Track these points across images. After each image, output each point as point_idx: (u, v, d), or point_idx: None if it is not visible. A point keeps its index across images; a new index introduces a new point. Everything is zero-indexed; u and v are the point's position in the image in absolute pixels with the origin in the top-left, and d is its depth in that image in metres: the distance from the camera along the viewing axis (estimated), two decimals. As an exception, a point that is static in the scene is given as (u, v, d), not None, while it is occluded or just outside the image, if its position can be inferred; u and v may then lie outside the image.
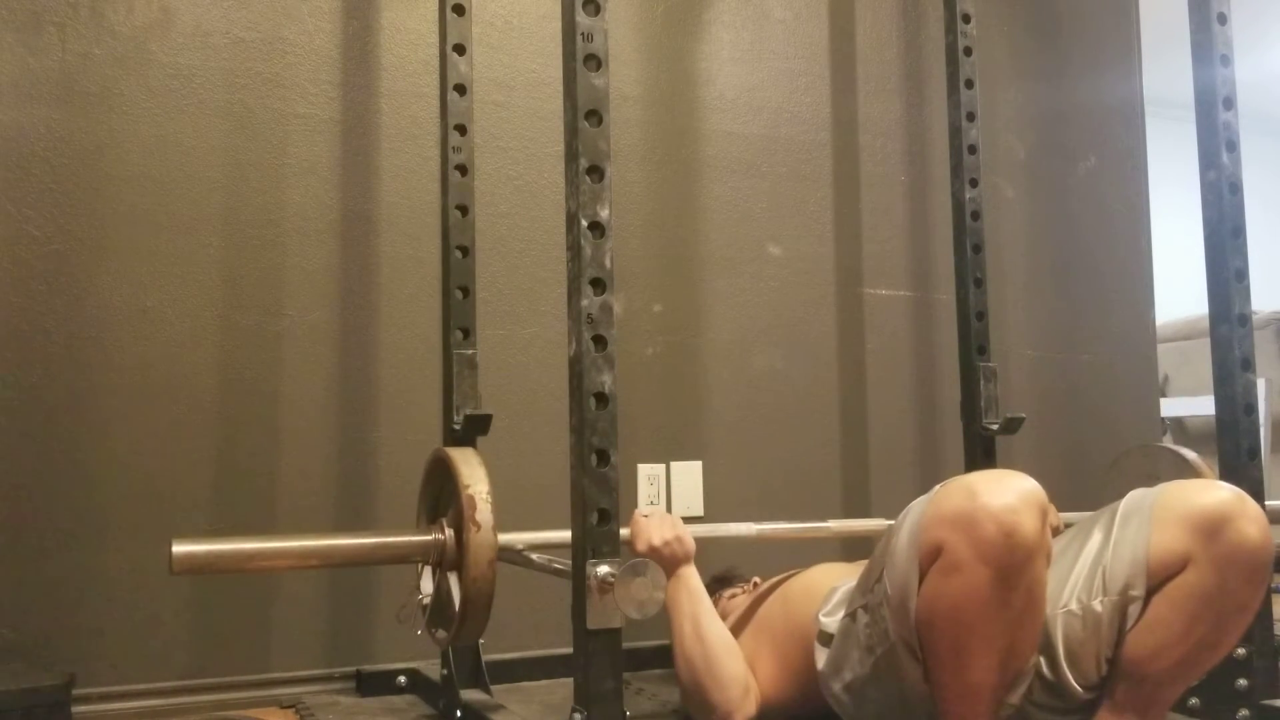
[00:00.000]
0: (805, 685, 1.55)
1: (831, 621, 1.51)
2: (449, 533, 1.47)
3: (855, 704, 1.48)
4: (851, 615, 1.46)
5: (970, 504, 1.28)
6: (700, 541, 1.66)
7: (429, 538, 1.48)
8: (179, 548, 1.36)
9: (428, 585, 1.55)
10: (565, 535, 1.43)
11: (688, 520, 1.68)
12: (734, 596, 1.85)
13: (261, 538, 1.48)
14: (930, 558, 1.31)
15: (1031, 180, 2.73)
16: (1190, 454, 2.04)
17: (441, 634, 1.51)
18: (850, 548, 2.26)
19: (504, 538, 1.49)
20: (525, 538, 1.60)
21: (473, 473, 1.45)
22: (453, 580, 1.47)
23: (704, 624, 1.58)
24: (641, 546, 1.58)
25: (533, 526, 2.09)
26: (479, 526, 1.40)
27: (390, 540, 1.52)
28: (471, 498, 1.41)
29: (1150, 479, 2.02)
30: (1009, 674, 1.35)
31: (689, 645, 1.57)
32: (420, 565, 1.56)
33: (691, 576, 1.61)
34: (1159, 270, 2.89)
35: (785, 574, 1.79)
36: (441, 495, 1.56)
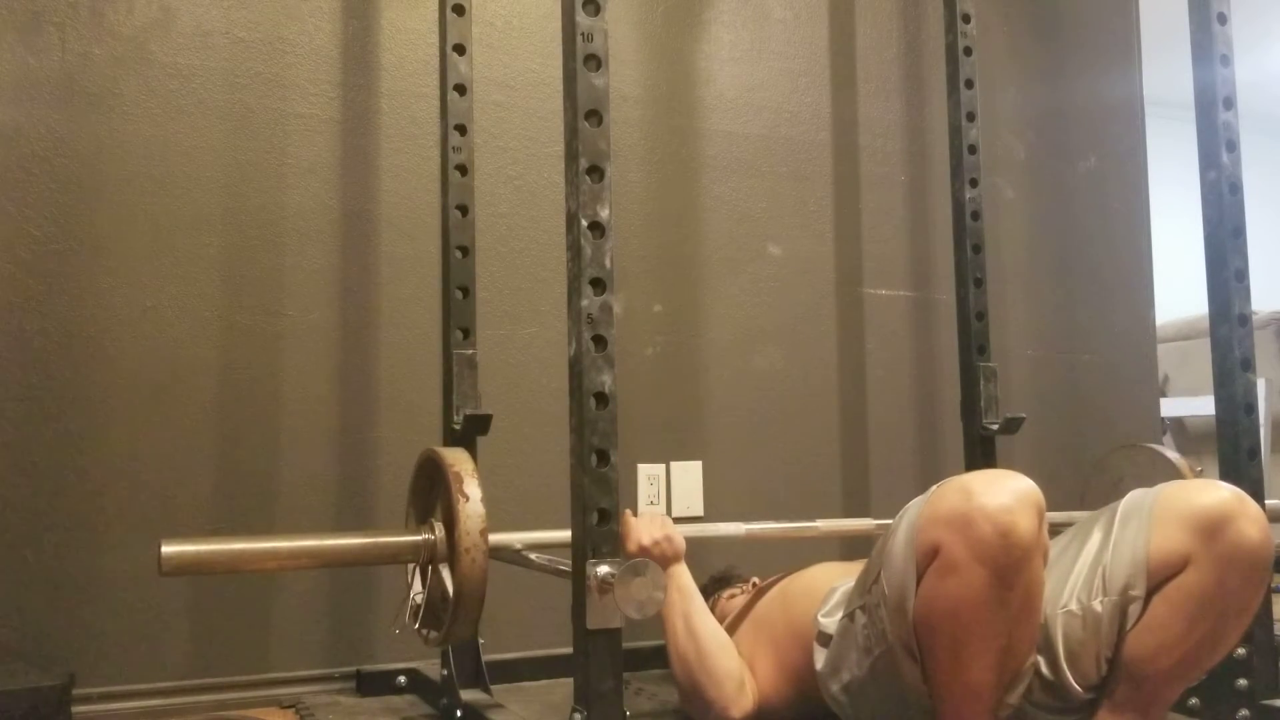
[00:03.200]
0: (804, 685, 1.55)
1: (830, 622, 1.51)
2: (439, 529, 1.48)
3: (854, 705, 1.48)
4: (850, 616, 1.46)
5: (966, 504, 1.28)
6: (691, 541, 1.66)
7: (419, 537, 1.49)
8: (168, 548, 1.34)
9: (419, 588, 1.54)
10: (560, 535, 1.42)
11: (685, 520, 1.68)
12: (732, 597, 1.85)
13: (251, 538, 1.47)
14: (927, 558, 1.31)
15: (1031, 180, 2.73)
16: (1174, 454, 2.03)
17: (433, 634, 1.50)
18: (850, 547, 2.26)
19: (498, 537, 1.48)
20: (521, 537, 1.61)
21: (457, 457, 1.46)
22: (445, 574, 1.46)
23: (696, 621, 1.59)
24: (631, 546, 1.58)
25: (533, 527, 2.11)
26: (467, 498, 1.40)
27: (381, 540, 1.51)
28: (459, 474, 1.42)
29: (1138, 480, 2.02)
30: (1007, 674, 1.35)
31: (682, 643, 1.58)
32: (411, 568, 1.55)
33: (682, 574, 1.62)
34: (1159, 270, 2.89)
35: (785, 573, 1.79)
36: (429, 497, 1.56)
